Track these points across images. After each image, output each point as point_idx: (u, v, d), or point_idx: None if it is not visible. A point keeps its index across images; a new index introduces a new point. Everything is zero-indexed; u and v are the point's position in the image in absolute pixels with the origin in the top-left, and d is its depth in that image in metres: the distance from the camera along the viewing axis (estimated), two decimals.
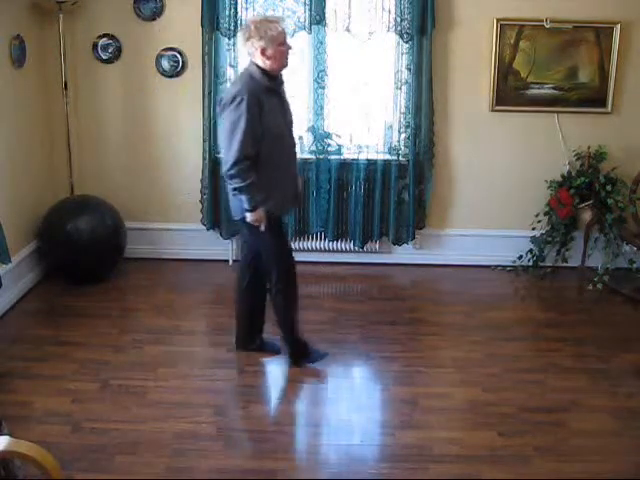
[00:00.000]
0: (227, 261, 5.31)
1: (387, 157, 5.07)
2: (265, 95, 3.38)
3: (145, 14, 4.93)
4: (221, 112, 3.40)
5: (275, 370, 3.75)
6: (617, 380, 3.69)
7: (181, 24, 4.94)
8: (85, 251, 4.65)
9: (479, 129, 5.12)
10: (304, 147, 5.02)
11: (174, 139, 5.15)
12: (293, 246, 5.09)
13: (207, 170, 5.06)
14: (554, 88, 5.02)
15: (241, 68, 4.86)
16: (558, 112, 5.06)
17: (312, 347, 3.79)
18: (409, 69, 4.88)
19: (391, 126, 5.03)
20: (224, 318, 4.37)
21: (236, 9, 4.80)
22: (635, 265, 5.01)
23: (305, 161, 4.96)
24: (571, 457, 3.03)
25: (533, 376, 3.70)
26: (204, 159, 5.05)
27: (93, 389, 3.48)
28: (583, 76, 5.00)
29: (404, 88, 4.93)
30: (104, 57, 4.99)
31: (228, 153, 3.34)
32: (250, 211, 3.41)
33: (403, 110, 4.96)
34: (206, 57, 4.88)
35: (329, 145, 5.04)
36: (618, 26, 4.87)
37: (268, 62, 3.38)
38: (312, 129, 5.00)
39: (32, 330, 4.17)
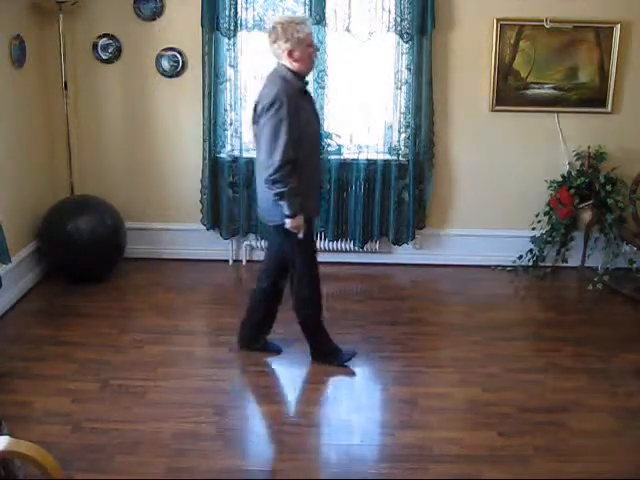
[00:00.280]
0: (227, 261, 5.31)
1: (387, 157, 5.07)
2: (300, 98, 3.37)
3: (145, 14, 4.93)
4: (260, 117, 3.34)
5: (275, 370, 3.75)
6: (617, 380, 3.69)
7: (181, 24, 4.94)
8: (85, 251, 4.65)
9: (479, 129, 5.12)
10: None
11: (174, 139, 5.15)
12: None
13: (207, 170, 5.06)
14: (554, 88, 5.02)
15: (241, 68, 4.91)
16: (558, 112, 5.06)
17: (340, 347, 3.78)
18: (409, 69, 4.88)
19: (391, 126, 5.03)
20: (224, 318, 4.38)
21: (236, 9, 4.80)
22: (635, 265, 5.01)
23: None
24: (571, 457, 3.02)
25: (533, 376, 3.70)
26: (204, 159, 5.05)
27: (93, 389, 3.48)
28: (583, 76, 5.00)
29: (404, 88, 4.93)
30: (104, 57, 4.99)
31: (270, 158, 3.29)
32: (290, 217, 3.37)
33: (403, 110, 4.97)
34: (206, 57, 4.88)
35: (329, 145, 5.04)
36: (618, 26, 4.87)
37: (296, 64, 3.37)
38: None
39: (32, 330, 4.17)
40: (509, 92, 5.03)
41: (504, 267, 5.23)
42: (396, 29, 4.83)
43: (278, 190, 3.31)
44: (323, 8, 4.78)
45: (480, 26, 4.92)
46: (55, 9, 4.76)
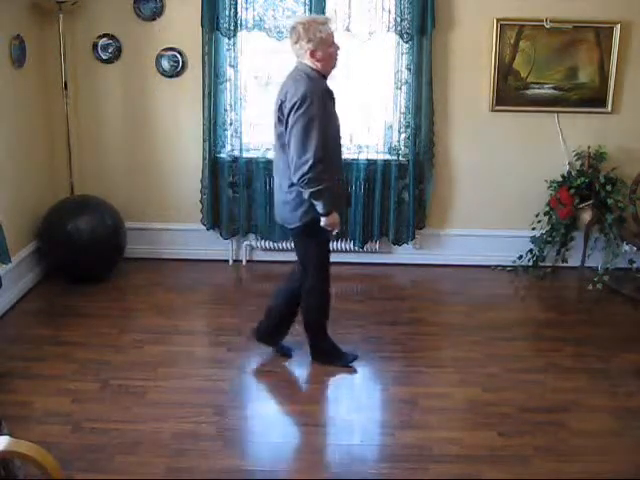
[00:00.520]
0: (227, 261, 5.31)
1: (387, 157, 5.07)
2: (325, 96, 3.34)
3: (145, 14, 4.93)
4: (288, 116, 3.27)
5: (275, 370, 3.75)
6: (617, 380, 3.69)
7: (181, 24, 4.94)
8: (85, 251, 4.65)
9: (479, 129, 5.12)
10: None
11: (174, 139, 5.15)
12: (292, 246, 5.09)
13: (207, 170, 5.06)
14: (554, 88, 5.02)
15: (241, 68, 4.91)
16: (558, 112, 5.06)
17: (342, 349, 3.77)
18: (409, 69, 4.88)
19: (391, 126, 5.03)
20: (224, 318, 4.38)
21: (236, 9, 4.80)
22: (635, 265, 5.02)
23: None
24: (571, 457, 3.02)
25: (533, 376, 3.70)
26: (204, 159, 5.05)
27: (93, 389, 3.48)
28: (583, 76, 5.00)
29: (404, 88, 4.93)
30: (104, 57, 4.99)
31: (303, 157, 3.22)
32: (325, 215, 3.34)
33: (403, 110, 4.96)
34: (206, 57, 4.88)
35: None
36: (618, 26, 4.87)
37: (318, 64, 3.34)
38: None
39: (32, 330, 4.17)
40: (509, 92, 5.03)
41: (504, 267, 5.23)
42: (396, 29, 4.83)
43: (314, 189, 3.25)
44: (323, 8, 4.77)
45: (480, 26, 4.92)
46: (55, 9, 4.76)
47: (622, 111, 5.06)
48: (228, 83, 4.93)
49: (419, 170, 5.07)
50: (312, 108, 3.22)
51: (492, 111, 5.07)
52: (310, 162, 3.21)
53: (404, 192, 5.13)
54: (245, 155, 5.06)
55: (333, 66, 3.44)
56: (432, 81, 4.92)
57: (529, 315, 4.58)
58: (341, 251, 5.23)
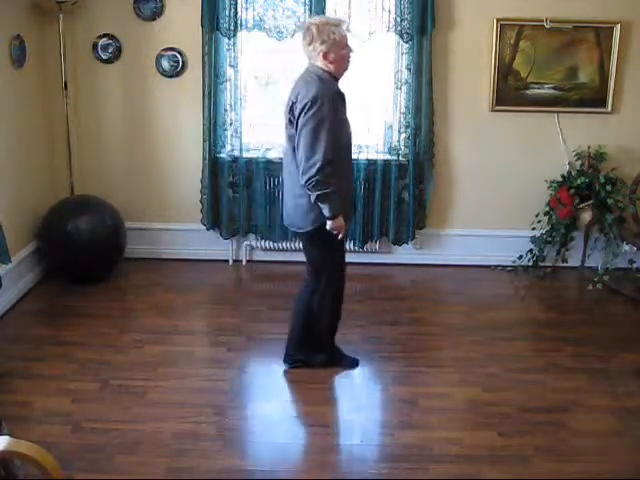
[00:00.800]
0: (227, 261, 5.31)
1: (387, 157, 5.07)
2: (337, 99, 3.30)
3: (145, 14, 4.93)
4: (298, 117, 3.22)
5: (275, 370, 3.74)
6: (617, 380, 3.69)
7: (181, 24, 4.94)
8: (85, 251, 4.65)
9: (479, 129, 5.12)
10: None
11: (174, 139, 5.15)
12: (292, 246, 5.11)
13: (207, 170, 5.06)
14: (554, 88, 5.02)
15: (241, 68, 4.90)
16: (558, 112, 5.06)
17: (344, 353, 3.77)
18: (409, 69, 4.88)
19: (391, 126, 5.03)
20: (224, 318, 4.38)
21: (236, 9, 4.80)
22: (635, 265, 5.02)
23: None
24: (571, 457, 3.02)
25: (533, 376, 3.70)
26: (204, 159, 5.05)
27: (93, 389, 3.48)
28: (583, 76, 5.00)
29: (404, 88, 4.93)
30: (104, 57, 4.99)
31: (311, 159, 3.18)
32: (332, 219, 3.28)
33: (403, 110, 4.96)
34: (206, 57, 4.87)
35: None
36: (618, 26, 4.87)
37: (331, 66, 3.30)
38: None
39: (32, 330, 4.17)
40: (509, 92, 5.03)
41: (504, 267, 5.23)
42: (396, 29, 4.83)
43: (320, 192, 3.20)
44: (323, 8, 4.77)
45: (480, 26, 4.92)
46: (55, 9, 4.76)
47: (622, 111, 5.06)
48: (228, 83, 4.93)
49: (419, 170, 5.07)
50: (322, 110, 3.17)
51: (492, 111, 5.07)
52: (318, 164, 3.17)
53: (404, 192, 5.13)
54: (245, 155, 5.06)
55: (345, 68, 3.39)
56: (432, 81, 4.92)
57: (529, 315, 4.58)
58: None
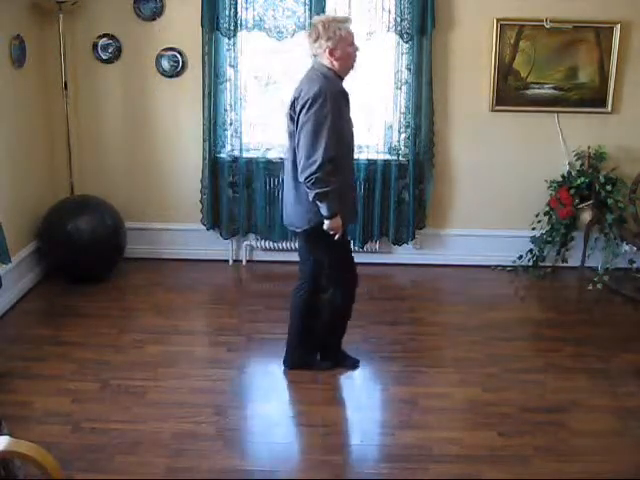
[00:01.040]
0: (227, 261, 5.31)
1: (387, 157, 5.07)
2: (341, 97, 3.28)
3: (145, 14, 4.93)
4: (299, 114, 3.20)
5: (275, 370, 3.75)
6: (617, 380, 3.69)
7: (181, 24, 4.94)
8: (85, 251, 4.65)
9: (479, 129, 5.12)
10: None
11: (174, 139, 5.15)
12: (292, 246, 5.10)
13: (207, 170, 5.06)
14: (554, 88, 5.02)
15: (241, 68, 4.90)
16: (558, 112, 5.06)
17: (347, 353, 3.77)
18: (409, 69, 4.88)
19: (391, 126, 5.03)
20: (224, 318, 4.38)
21: (236, 9, 4.80)
22: (635, 265, 5.02)
23: None
24: (571, 457, 3.02)
25: (533, 376, 3.70)
26: (204, 159, 5.05)
27: (93, 389, 3.48)
28: (583, 76, 5.00)
29: (404, 88, 4.93)
30: (104, 57, 4.99)
31: (311, 157, 3.14)
32: (329, 218, 3.24)
33: (403, 110, 4.96)
34: (206, 57, 4.87)
35: None
36: (618, 26, 4.87)
37: (336, 63, 3.27)
38: None
39: (32, 330, 4.17)
40: (509, 92, 5.03)
41: (504, 267, 5.23)
42: (396, 29, 4.83)
43: (319, 190, 3.17)
44: (323, 8, 4.77)
45: (480, 26, 4.92)
46: (55, 9, 4.76)
47: (622, 111, 5.06)
48: (228, 83, 4.93)
49: (419, 170, 5.07)
50: (325, 107, 3.14)
51: (492, 111, 5.07)
52: (319, 162, 3.14)
53: (404, 192, 5.12)
54: (245, 155, 5.05)
55: (351, 67, 3.36)
56: (432, 81, 4.92)
57: (529, 315, 4.58)
58: None
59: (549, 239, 5.09)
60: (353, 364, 3.75)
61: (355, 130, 3.47)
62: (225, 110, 4.98)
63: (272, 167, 5.05)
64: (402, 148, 5.04)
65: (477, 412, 3.35)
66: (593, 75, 5.00)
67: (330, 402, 3.52)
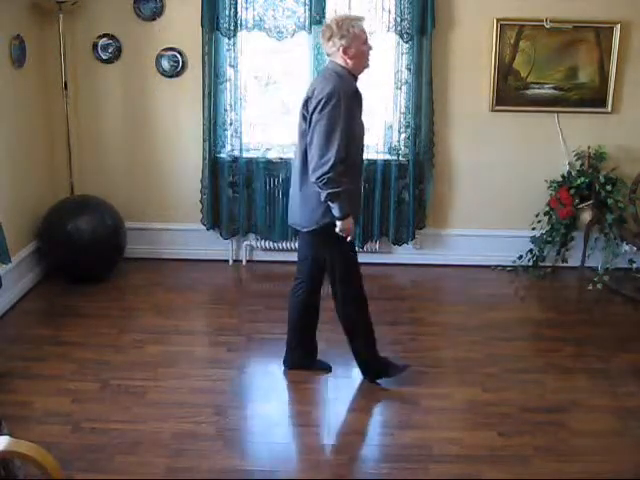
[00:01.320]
0: (227, 261, 5.31)
1: (387, 157, 5.07)
2: (354, 97, 3.25)
3: (145, 14, 4.93)
4: (312, 113, 3.17)
5: (275, 370, 3.75)
6: (617, 380, 3.69)
7: (181, 24, 4.94)
8: (85, 251, 4.65)
9: (479, 129, 5.12)
10: None
11: (174, 139, 5.15)
12: (292, 246, 5.10)
13: (207, 170, 5.06)
14: (554, 88, 5.02)
15: (241, 68, 4.90)
16: (558, 112, 5.06)
17: (390, 361, 3.62)
18: (409, 69, 4.88)
19: (391, 126, 5.03)
20: (224, 318, 4.38)
21: (236, 9, 4.80)
22: (635, 265, 5.02)
23: None
24: (571, 457, 3.02)
25: (533, 376, 3.70)
26: (204, 159, 5.05)
27: (93, 389, 3.48)
28: (583, 76, 5.00)
29: (404, 88, 4.93)
30: (104, 57, 4.99)
31: (324, 156, 3.11)
32: (341, 219, 3.21)
33: (403, 110, 4.96)
34: (206, 57, 4.87)
35: None
36: (618, 26, 4.87)
37: (350, 62, 3.25)
38: None
39: (32, 330, 4.17)
40: (509, 92, 5.03)
41: (504, 267, 5.23)
42: (396, 29, 4.83)
43: (331, 190, 3.13)
44: (323, 8, 4.77)
45: (480, 26, 4.92)
46: (55, 9, 4.76)
47: (622, 111, 5.06)
48: (228, 83, 4.93)
49: (419, 170, 5.07)
50: (338, 107, 3.12)
51: (492, 111, 5.07)
52: (331, 162, 3.11)
53: (404, 192, 5.12)
54: (245, 155, 5.06)
55: (365, 66, 3.35)
56: (432, 81, 4.92)
57: (529, 315, 4.58)
58: None
59: (549, 239, 5.09)
60: (401, 370, 3.59)
61: (365, 131, 3.42)
62: (225, 110, 4.98)
63: (272, 167, 5.05)
64: (402, 148, 5.04)
65: (477, 412, 3.35)
66: (593, 75, 5.00)
67: (330, 402, 3.52)
